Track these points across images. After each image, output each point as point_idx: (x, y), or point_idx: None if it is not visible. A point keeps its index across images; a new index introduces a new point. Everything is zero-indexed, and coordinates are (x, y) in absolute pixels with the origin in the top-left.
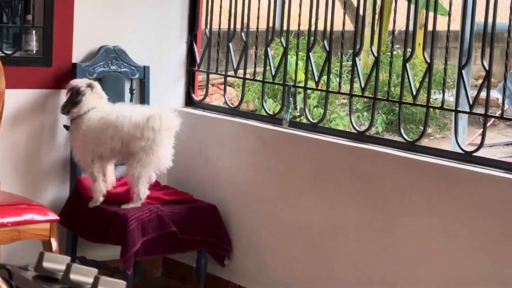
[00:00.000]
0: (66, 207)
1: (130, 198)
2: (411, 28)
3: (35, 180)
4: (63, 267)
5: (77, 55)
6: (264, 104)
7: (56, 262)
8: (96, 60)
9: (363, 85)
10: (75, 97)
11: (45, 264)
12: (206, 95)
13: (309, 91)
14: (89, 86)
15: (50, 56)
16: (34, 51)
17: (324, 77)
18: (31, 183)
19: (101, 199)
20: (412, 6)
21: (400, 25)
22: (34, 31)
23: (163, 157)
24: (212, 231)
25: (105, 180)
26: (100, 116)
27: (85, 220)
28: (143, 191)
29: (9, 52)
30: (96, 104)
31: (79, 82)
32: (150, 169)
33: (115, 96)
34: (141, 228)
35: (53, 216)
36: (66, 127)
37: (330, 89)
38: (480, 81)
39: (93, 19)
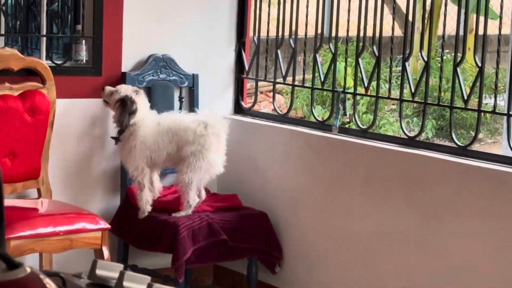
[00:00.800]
0: (117, 215)
1: (180, 206)
2: (461, 32)
3: (86, 189)
4: (116, 275)
5: (127, 64)
6: (313, 110)
7: (109, 270)
8: (145, 69)
9: (413, 91)
10: (131, 106)
11: (98, 272)
12: (255, 102)
13: (358, 97)
14: (135, 91)
15: (99, 65)
16: (84, 61)
17: (373, 83)
18: (82, 192)
19: (149, 208)
20: (462, 11)
21: (450, 29)
22: (84, 41)
23: (214, 162)
24: (262, 238)
25: (151, 189)
26: (157, 121)
27: (135, 228)
28: (193, 198)
29: (59, 62)
30: (146, 110)
31: (124, 90)
32: (201, 174)
33: (164, 104)
34: (192, 236)
35: (104, 225)
36: (115, 138)
37: (380, 95)
38: None
39: (142, 28)
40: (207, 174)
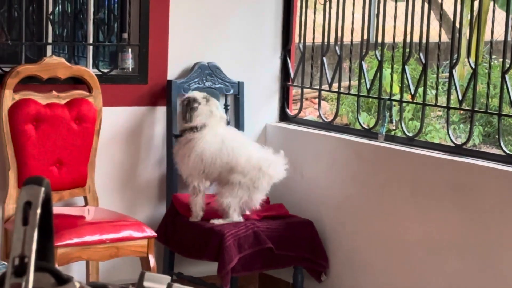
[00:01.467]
0: (163, 223)
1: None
2: (509, 38)
3: (132, 197)
4: (163, 287)
5: (172, 72)
6: (359, 118)
7: (156, 282)
8: (191, 77)
9: (460, 98)
10: (192, 104)
11: (146, 284)
12: (300, 110)
13: (404, 104)
14: (205, 98)
15: (145, 73)
16: (130, 69)
17: (420, 90)
18: (128, 200)
19: (201, 213)
20: (510, 16)
21: (497, 35)
22: (130, 49)
23: (256, 200)
24: (308, 246)
25: (203, 197)
26: (221, 139)
27: (181, 236)
28: (237, 218)
29: (105, 71)
30: (209, 120)
31: (196, 94)
32: (239, 202)
33: None
34: (238, 244)
35: (150, 233)
36: (176, 136)
37: (426, 102)
38: None
39: (188, 36)
40: (245, 205)
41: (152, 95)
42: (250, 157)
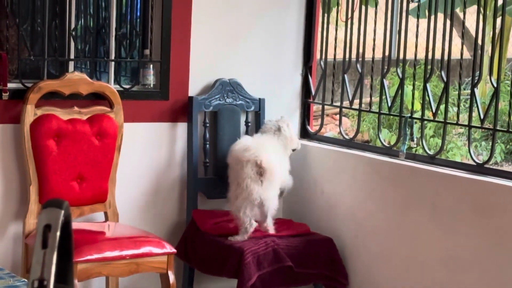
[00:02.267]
0: (183, 239)
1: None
2: None
3: (152, 213)
4: None
5: (193, 88)
6: (379, 135)
7: None
8: (212, 93)
9: (482, 116)
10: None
11: None
12: (321, 126)
13: (425, 121)
14: (281, 121)
15: (167, 90)
16: (152, 85)
17: (441, 107)
18: (148, 216)
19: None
20: None
21: None
22: (151, 66)
23: (254, 192)
24: (328, 264)
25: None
26: (241, 146)
27: (201, 252)
28: (249, 223)
29: (127, 86)
30: (268, 131)
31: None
32: (246, 202)
33: (230, 129)
34: (257, 262)
35: (170, 249)
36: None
37: (448, 120)
38: None
39: (209, 53)
40: (256, 207)
41: (173, 111)
42: (235, 155)
